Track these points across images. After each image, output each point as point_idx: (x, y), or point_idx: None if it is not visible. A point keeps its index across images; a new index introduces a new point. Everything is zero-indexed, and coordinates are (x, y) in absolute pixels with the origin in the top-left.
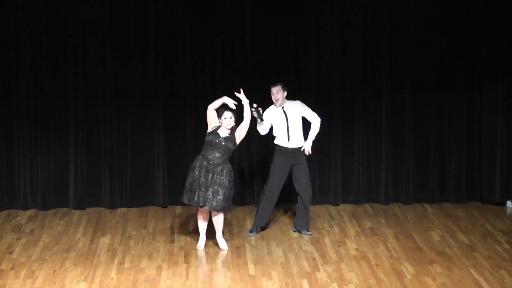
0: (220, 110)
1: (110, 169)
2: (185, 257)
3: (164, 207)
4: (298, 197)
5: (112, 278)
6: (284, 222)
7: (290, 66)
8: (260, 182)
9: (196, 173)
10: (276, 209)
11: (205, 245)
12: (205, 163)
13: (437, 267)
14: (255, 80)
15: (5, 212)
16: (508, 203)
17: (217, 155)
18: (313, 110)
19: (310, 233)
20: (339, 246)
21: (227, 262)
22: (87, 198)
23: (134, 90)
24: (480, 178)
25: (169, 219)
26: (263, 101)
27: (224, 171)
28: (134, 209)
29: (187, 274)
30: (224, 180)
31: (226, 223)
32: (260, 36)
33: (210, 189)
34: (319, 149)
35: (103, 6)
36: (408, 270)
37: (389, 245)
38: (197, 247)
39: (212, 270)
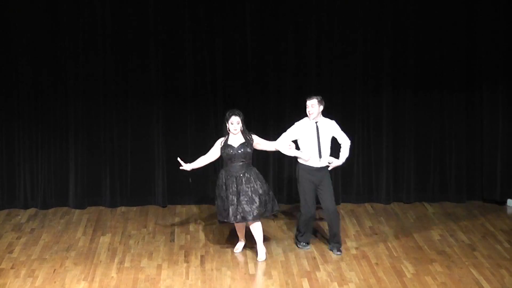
0: (227, 114)
1: (110, 168)
2: (185, 256)
3: (164, 206)
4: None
5: (112, 277)
6: (284, 221)
7: (290, 66)
8: None
9: (224, 190)
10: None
11: (205, 244)
12: (230, 178)
13: (437, 266)
14: (255, 81)
15: (5, 211)
16: (509, 201)
17: (239, 164)
18: None
19: (339, 253)
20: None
21: (227, 261)
22: (87, 197)
23: (135, 90)
24: (481, 177)
25: (169, 218)
26: (263, 102)
27: (252, 178)
28: (134, 208)
29: (187, 273)
30: (255, 186)
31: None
32: (260, 37)
33: (243, 201)
34: None
35: (103, 5)
36: (408, 269)
37: (389, 244)
38: (234, 249)
39: (212, 269)
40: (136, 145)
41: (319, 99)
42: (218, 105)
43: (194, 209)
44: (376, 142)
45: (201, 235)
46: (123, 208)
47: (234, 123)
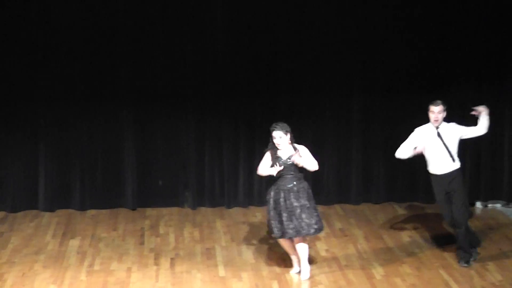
0: (271, 128)
1: (80, 171)
2: (155, 259)
3: (134, 209)
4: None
5: (81, 280)
6: (254, 223)
7: (262, 68)
8: (231, 181)
9: (281, 205)
10: (248, 211)
11: (175, 247)
12: (282, 194)
13: (406, 268)
14: (228, 84)
15: None
16: (477, 203)
17: (289, 177)
18: (284, 111)
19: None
20: (309, 247)
21: (197, 263)
22: (57, 200)
23: (105, 92)
24: None
25: (139, 221)
26: (234, 104)
27: (304, 189)
28: (104, 211)
29: (157, 276)
30: (309, 197)
31: (196, 224)
32: (231, 38)
33: (303, 215)
34: None
35: (72, 7)
36: (378, 271)
37: (359, 246)
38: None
39: (182, 272)
40: (105, 147)
41: (444, 104)
42: (189, 108)
43: (164, 211)
44: (346, 143)
45: (171, 238)
46: (92, 211)
47: (277, 138)
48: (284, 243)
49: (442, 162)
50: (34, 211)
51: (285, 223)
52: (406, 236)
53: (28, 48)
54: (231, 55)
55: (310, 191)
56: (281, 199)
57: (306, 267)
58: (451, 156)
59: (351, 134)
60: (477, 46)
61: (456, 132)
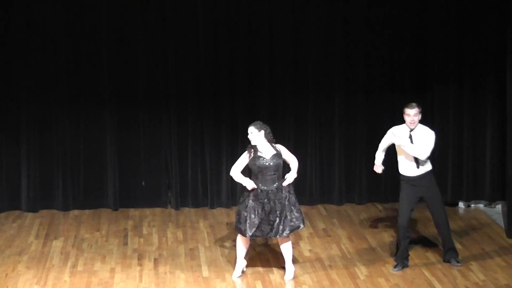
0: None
1: (62, 171)
2: (138, 259)
3: (116, 209)
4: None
5: (65, 281)
6: None
7: (243, 68)
8: (214, 182)
9: (259, 210)
10: (231, 211)
11: (158, 247)
12: (264, 195)
13: (390, 268)
14: (210, 85)
15: None
16: (460, 203)
17: (269, 178)
18: (266, 111)
19: (459, 264)
20: (292, 248)
21: (181, 264)
22: (40, 200)
23: (87, 92)
24: None
25: (122, 221)
26: (215, 104)
27: (285, 189)
28: (87, 212)
29: (140, 276)
30: (291, 197)
31: (179, 224)
32: (215, 40)
33: (286, 214)
34: None
35: (55, 8)
36: (361, 271)
37: (343, 246)
38: (233, 275)
39: (165, 273)
40: (88, 148)
41: (419, 107)
42: (171, 108)
43: (147, 212)
44: (328, 144)
45: (155, 238)
46: (75, 212)
47: (249, 133)
48: (245, 244)
49: (411, 164)
50: (16, 212)
51: (262, 224)
52: (389, 236)
53: (9, 49)
54: (213, 56)
55: (291, 188)
56: (265, 201)
57: (290, 267)
58: (416, 160)
59: (334, 134)
60: (459, 47)
61: (428, 137)
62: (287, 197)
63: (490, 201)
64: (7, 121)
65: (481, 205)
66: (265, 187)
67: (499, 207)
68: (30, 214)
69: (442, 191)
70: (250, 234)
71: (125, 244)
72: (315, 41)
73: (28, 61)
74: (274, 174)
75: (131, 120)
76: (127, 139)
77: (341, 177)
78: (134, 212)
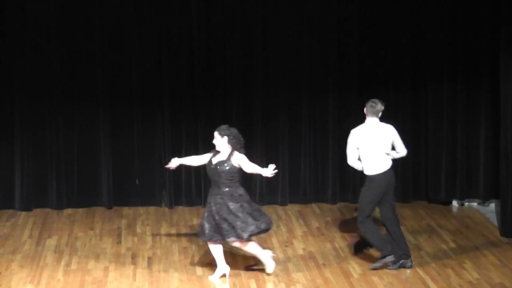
0: None
1: (56, 170)
2: (132, 258)
3: (110, 208)
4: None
5: (59, 279)
6: None
7: (237, 67)
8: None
9: (205, 214)
10: None
11: (152, 246)
12: (213, 200)
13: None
14: (203, 85)
15: None
16: (454, 202)
17: (214, 184)
18: (261, 111)
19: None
20: (286, 246)
21: (175, 263)
22: (34, 199)
23: (81, 92)
24: (426, 177)
25: (116, 220)
26: (209, 103)
27: (235, 196)
28: (80, 210)
29: (134, 275)
30: (239, 205)
31: (173, 223)
32: (208, 40)
33: (231, 220)
34: (266, 150)
35: (49, 7)
36: (355, 269)
37: (336, 245)
38: (211, 277)
39: (159, 271)
40: (82, 147)
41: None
42: (165, 108)
43: (140, 210)
44: (322, 143)
45: (148, 237)
46: (69, 210)
47: (214, 139)
48: (213, 249)
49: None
50: (10, 211)
51: (212, 228)
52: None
53: (3, 48)
54: (207, 56)
55: (246, 196)
56: (212, 205)
57: (266, 260)
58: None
59: (328, 133)
60: (453, 47)
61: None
62: (227, 205)
63: (484, 200)
64: (0, 120)
65: (474, 204)
66: (211, 192)
67: (492, 205)
68: (23, 213)
69: (436, 190)
70: (203, 238)
71: (119, 242)
72: (309, 40)
73: (22, 60)
74: (217, 180)
75: (125, 119)
76: (121, 138)
77: (335, 176)
78: (128, 210)
